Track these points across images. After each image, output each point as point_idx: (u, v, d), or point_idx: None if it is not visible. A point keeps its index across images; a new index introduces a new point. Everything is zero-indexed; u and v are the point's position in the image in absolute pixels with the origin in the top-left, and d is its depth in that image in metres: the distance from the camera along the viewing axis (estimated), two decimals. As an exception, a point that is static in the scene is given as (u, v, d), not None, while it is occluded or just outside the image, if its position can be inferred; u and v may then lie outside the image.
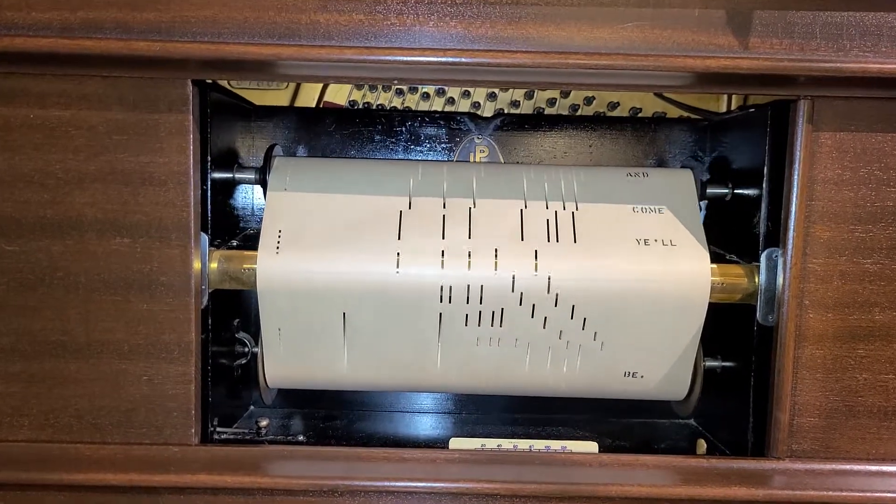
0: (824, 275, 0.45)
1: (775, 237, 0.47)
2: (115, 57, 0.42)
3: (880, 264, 0.45)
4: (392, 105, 0.59)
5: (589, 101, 0.59)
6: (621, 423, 0.60)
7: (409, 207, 0.50)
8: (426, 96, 0.59)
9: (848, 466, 0.46)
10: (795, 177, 0.45)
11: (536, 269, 0.47)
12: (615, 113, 0.59)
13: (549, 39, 0.42)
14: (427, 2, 0.42)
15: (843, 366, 0.46)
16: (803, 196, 0.45)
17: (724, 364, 0.53)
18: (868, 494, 0.45)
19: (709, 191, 0.54)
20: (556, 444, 0.49)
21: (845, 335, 0.46)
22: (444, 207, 0.49)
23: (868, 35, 0.43)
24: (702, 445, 0.54)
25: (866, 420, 0.46)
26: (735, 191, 0.53)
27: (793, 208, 0.45)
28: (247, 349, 0.54)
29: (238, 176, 0.53)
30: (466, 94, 0.59)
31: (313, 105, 0.59)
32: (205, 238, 0.47)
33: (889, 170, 0.45)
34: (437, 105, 0.59)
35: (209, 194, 0.47)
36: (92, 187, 0.44)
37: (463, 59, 0.42)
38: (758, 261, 0.48)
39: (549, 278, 0.47)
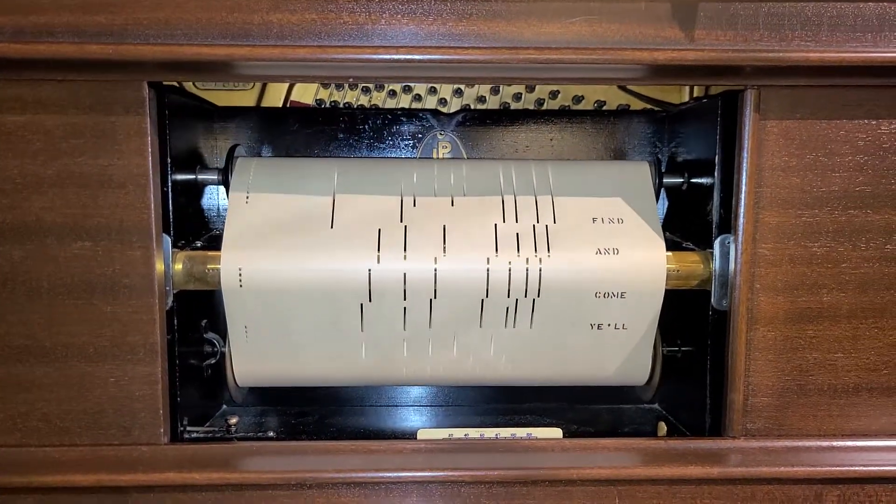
0: (774, 259, 0.47)
1: (727, 224, 0.48)
2: (69, 60, 0.42)
3: (827, 247, 0.47)
4: (359, 103, 0.59)
5: (554, 94, 0.60)
6: (588, 409, 0.61)
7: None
8: (392, 94, 0.60)
9: (800, 443, 0.48)
10: (744, 165, 0.46)
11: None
12: (580, 106, 0.60)
13: (499, 35, 0.43)
14: (378, 0, 0.43)
15: (794, 346, 0.48)
16: (752, 183, 0.46)
17: (682, 348, 0.54)
18: (819, 469, 0.46)
19: (666, 181, 0.55)
20: (521, 432, 0.50)
21: (795, 317, 0.47)
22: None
23: (808, 25, 0.44)
24: (662, 428, 0.55)
25: (817, 398, 0.48)
26: (691, 180, 0.55)
27: (742, 195, 0.46)
28: (216, 349, 0.55)
29: (200, 177, 0.53)
30: (433, 91, 0.60)
31: (280, 105, 0.59)
32: (167, 239, 0.47)
33: (833, 155, 0.47)
34: (404, 102, 0.60)
35: (170, 196, 0.48)
36: (50, 191, 0.44)
37: (415, 56, 0.43)
38: (712, 248, 0.49)
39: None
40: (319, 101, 0.60)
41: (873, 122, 0.46)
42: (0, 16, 0.42)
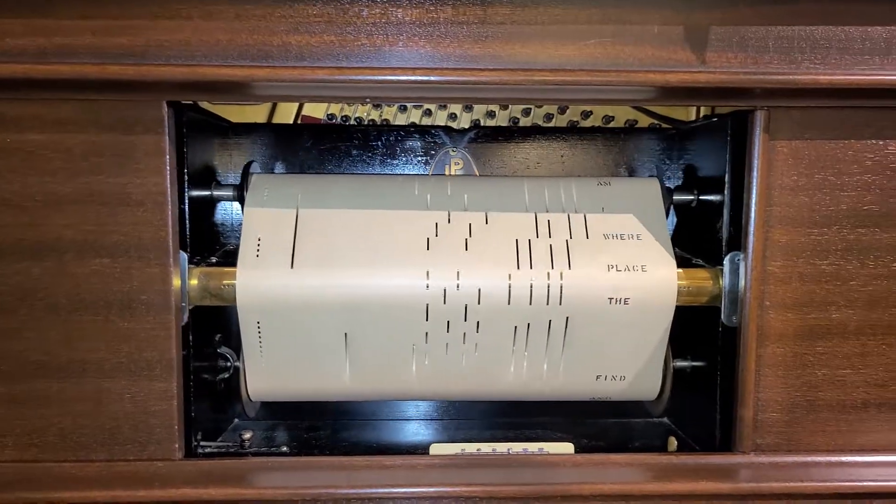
0: (783, 276, 0.48)
1: (737, 241, 0.49)
2: (90, 81, 0.42)
3: (836, 265, 0.48)
4: (370, 118, 0.60)
5: (563, 109, 0.61)
6: (598, 424, 0.61)
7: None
8: (403, 108, 0.60)
9: (809, 458, 0.48)
10: (754, 184, 0.47)
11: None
12: (588, 121, 0.61)
13: (514, 57, 0.44)
14: (396, 22, 0.44)
15: (803, 363, 0.48)
16: (762, 202, 0.47)
17: (692, 364, 0.55)
18: (828, 484, 0.47)
19: (675, 198, 0.56)
20: (533, 447, 0.51)
21: (804, 334, 0.48)
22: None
23: (818, 48, 0.45)
24: (673, 443, 0.56)
25: (826, 414, 0.49)
26: (700, 197, 0.55)
27: (752, 214, 0.47)
28: (229, 363, 0.55)
29: (216, 193, 0.54)
30: (443, 106, 0.61)
31: (291, 119, 0.60)
32: (184, 256, 0.47)
33: (842, 175, 0.47)
34: (415, 117, 0.61)
35: (187, 212, 0.48)
36: (70, 209, 0.45)
37: (432, 78, 0.43)
38: (722, 264, 0.50)
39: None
40: (331, 116, 0.60)
41: (881, 143, 0.47)
42: (23, 37, 0.43)
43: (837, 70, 0.45)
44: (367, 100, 0.50)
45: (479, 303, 0.48)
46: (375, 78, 0.43)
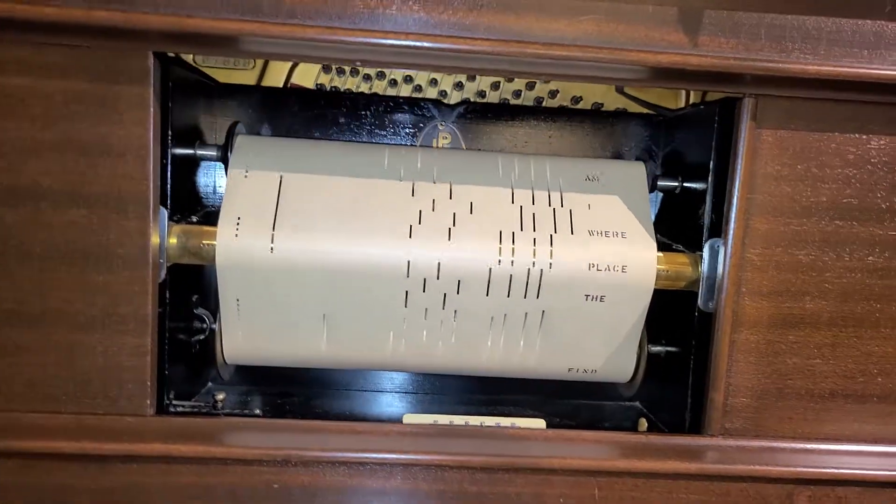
0: (761, 264, 0.48)
1: (718, 228, 0.49)
2: (76, 25, 0.41)
3: (812, 256, 0.48)
4: (359, 90, 0.59)
5: (553, 94, 0.61)
6: (570, 404, 0.62)
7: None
8: (393, 83, 0.60)
9: (775, 444, 0.49)
10: (738, 171, 0.47)
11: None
12: (578, 107, 0.60)
13: (508, 28, 0.44)
14: (390, -14, 0.43)
15: (775, 350, 0.49)
16: (744, 190, 0.47)
17: (667, 348, 0.56)
18: (792, 469, 0.48)
19: (660, 183, 0.56)
20: (505, 421, 0.51)
21: (778, 322, 0.49)
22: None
23: (809, 38, 0.45)
24: (643, 424, 0.56)
25: (794, 401, 0.49)
26: (684, 184, 0.56)
27: (734, 201, 0.47)
28: (205, 325, 0.55)
29: (200, 152, 0.53)
30: (434, 83, 0.60)
31: (280, 86, 0.59)
32: (164, 212, 0.47)
33: (824, 167, 0.48)
34: (405, 92, 0.60)
35: (169, 169, 0.47)
36: (48, 156, 0.44)
37: (424, 44, 0.43)
38: (702, 251, 0.50)
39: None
40: (320, 86, 0.60)
41: (864, 137, 0.48)
42: (7, -24, 0.41)
43: (826, 61, 0.45)
44: (357, 63, 0.50)
45: (458, 293, 0.48)
46: (366, 40, 0.43)
